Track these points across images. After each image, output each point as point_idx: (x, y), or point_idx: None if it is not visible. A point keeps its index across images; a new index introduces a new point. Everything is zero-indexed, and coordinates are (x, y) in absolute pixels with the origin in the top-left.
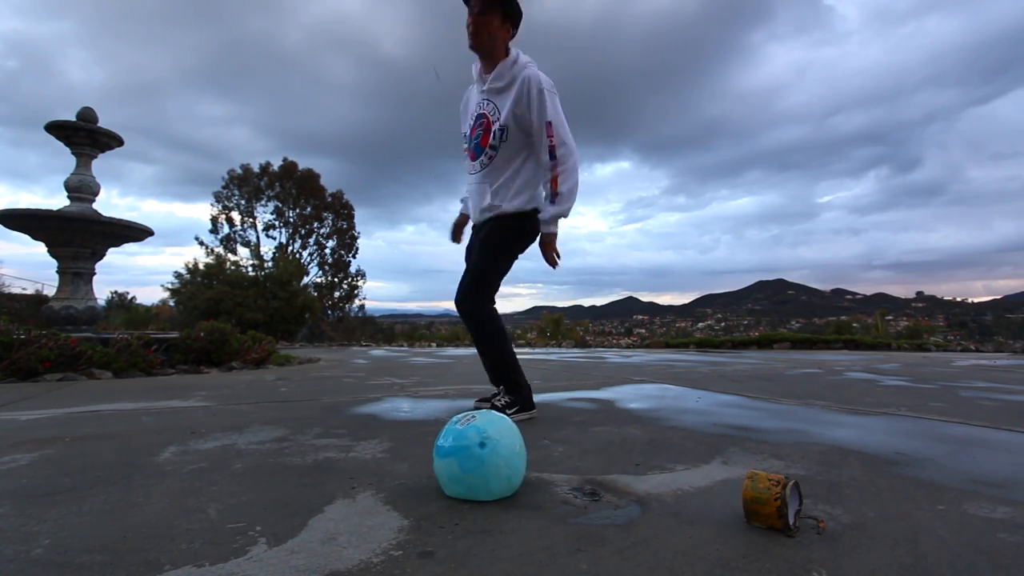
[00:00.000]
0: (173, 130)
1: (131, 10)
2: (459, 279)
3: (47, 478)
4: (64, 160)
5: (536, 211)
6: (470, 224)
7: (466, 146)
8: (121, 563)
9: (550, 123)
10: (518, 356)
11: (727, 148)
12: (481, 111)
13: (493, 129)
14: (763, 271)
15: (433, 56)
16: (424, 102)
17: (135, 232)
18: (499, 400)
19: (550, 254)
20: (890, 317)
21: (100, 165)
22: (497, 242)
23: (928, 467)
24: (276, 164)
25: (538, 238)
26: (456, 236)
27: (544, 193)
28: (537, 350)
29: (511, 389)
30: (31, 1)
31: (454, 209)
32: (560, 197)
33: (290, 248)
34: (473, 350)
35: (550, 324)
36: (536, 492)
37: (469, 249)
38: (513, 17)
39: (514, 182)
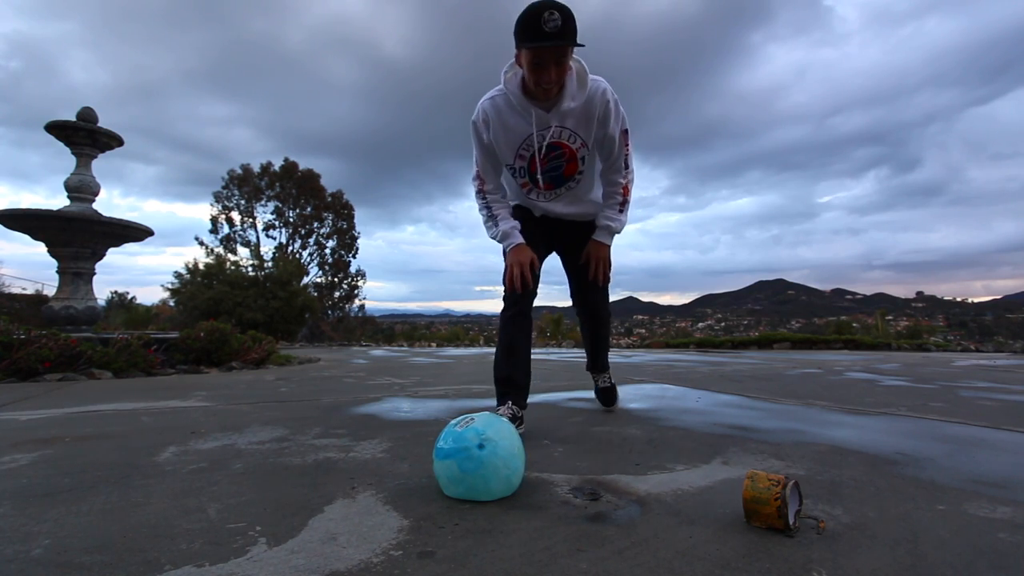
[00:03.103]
0: (175, 131)
1: (134, 11)
2: (573, 281)
3: (47, 478)
4: (66, 160)
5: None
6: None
7: (524, 180)
8: (121, 563)
9: (626, 132)
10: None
11: (727, 148)
12: (554, 140)
13: (579, 156)
14: (763, 271)
15: (435, 56)
16: (425, 102)
17: (135, 232)
18: (605, 382)
19: (607, 268)
20: (890, 317)
21: (101, 165)
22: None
23: (928, 467)
24: (277, 164)
25: (590, 249)
26: (532, 273)
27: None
28: (537, 350)
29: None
30: (35, 2)
31: (454, 209)
32: (627, 207)
33: (290, 248)
34: (473, 350)
35: (550, 324)
36: (536, 492)
37: (531, 234)
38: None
39: (597, 191)
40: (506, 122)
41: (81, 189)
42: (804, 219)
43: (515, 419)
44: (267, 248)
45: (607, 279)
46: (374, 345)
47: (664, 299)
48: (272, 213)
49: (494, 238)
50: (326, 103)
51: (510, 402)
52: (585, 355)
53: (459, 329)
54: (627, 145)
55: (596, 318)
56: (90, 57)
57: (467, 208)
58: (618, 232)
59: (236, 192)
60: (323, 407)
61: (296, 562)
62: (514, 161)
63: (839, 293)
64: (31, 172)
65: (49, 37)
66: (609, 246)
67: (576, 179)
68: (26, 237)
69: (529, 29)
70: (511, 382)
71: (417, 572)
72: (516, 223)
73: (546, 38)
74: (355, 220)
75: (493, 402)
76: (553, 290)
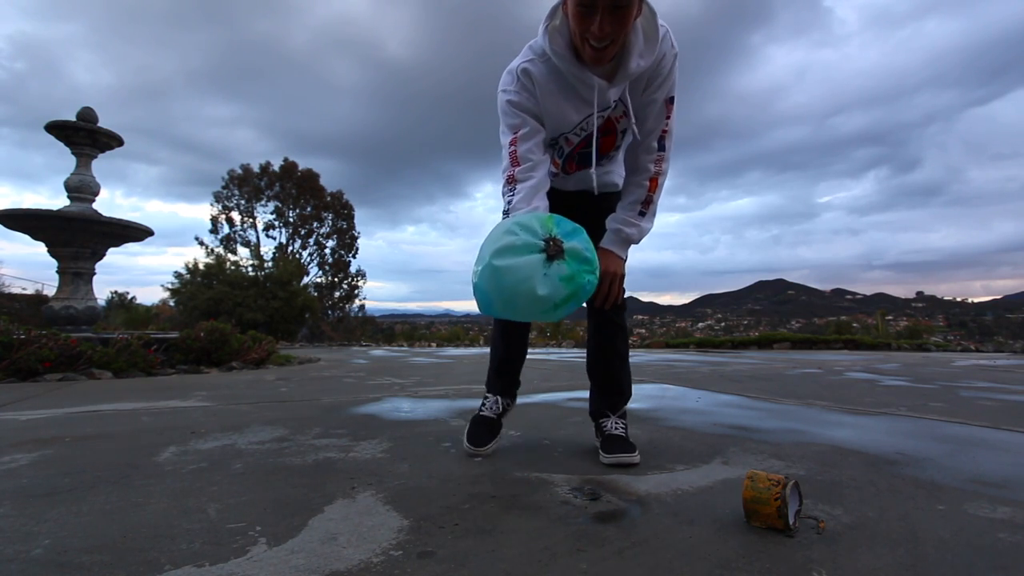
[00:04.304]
0: (178, 131)
1: (138, 12)
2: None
3: (47, 478)
4: (67, 161)
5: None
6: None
7: (558, 158)
8: (121, 563)
9: (672, 99)
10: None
11: (727, 149)
12: (604, 114)
13: (619, 129)
14: (763, 271)
15: (437, 57)
16: (427, 103)
17: (135, 232)
18: (618, 427)
19: (619, 287)
20: (890, 317)
21: (103, 166)
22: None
23: (928, 467)
24: (276, 164)
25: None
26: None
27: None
28: (537, 350)
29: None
30: (39, 3)
31: (455, 209)
32: (652, 208)
33: (290, 248)
34: (473, 350)
35: (550, 324)
36: (536, 492)
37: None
38: None
39: (620, 165)
40: (546, 99)
41: (81, 189)
42: (804, 219)
43: (496, 421)
44: (267, 248)
45: (620, 303)
46: (374, 345)
47: (664, 299)
48: (272, 213)
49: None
50: (328, 104)
51: (498, 397)
52: (578, 358)
53: (459, 329)
54: (669, 118)
55: (607, 348)
56: (94, 58)
57: (467, 208)
58: (636, 243)
59: (236, 192)
60: (323, 407)
61: (296, 562)
62: (555, 132)
63: (839, 293)
64: (34, 172)
65: (53, 38)
66: (624, 260)
67: (611, 156)
68: (26, 237)
69: None
70: (509, 363)
71: (417, 572)
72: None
73: None
74: (355, 220)
75: None
76: None
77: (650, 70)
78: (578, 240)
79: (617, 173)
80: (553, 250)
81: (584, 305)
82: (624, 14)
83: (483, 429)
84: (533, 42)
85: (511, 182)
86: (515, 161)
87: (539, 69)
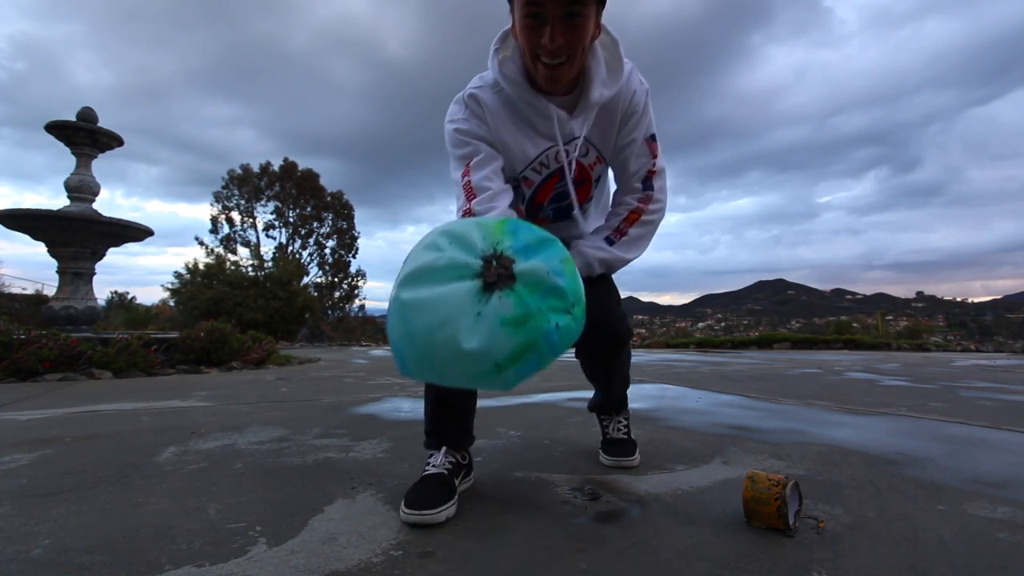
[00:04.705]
0: (178, 131)
1: (139, 12)
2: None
3: (47, 478)
4: (68, 161)
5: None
6: None
7: (520, 205)
8: (121, 563)
9: (654, 137)
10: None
11: (727, 149)
12: (570, 158)
13: (594, 176)
14: (763, 271)
15: (437, 56)
16: (427, 103)
17: (135, 232)
18: (621, 429)
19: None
20: (890, 317)
21: (104, 166)
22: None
23: (928, 467)
24: (276, 164)
25: None
26: None
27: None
28: None
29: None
30: (40, 4)
31: (455, 210)
32: (626, 240)
33: (290, 248)
34: None
35: None
36: (536, 492)
37: None
38: None
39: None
40: (500, 128)
41: (81, 189)
42: (804, 219)
43: (448, 478)
44: (267, 248)
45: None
46: (374, 345)
47: (664, 299)
48: (272, 213)
49: None
50: (328, 104)
51: (444, 448)
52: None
53: None
54: (656, 156)
55: (613, 339)
56: (94, 58)
57: None
58: (608, 270)
59: (236, 192)
60: (323, 407)
61: (296, 562)
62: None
63: (839, 293)
64: (34, 173)
65: (54, 38)
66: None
67: (585, 209)
68: (26, 237)
69: None
70: (447, 406)
71: (417, 572)
72: None
73: None
74: (355, 220)
75: (494, 402)
76: None
77: (622, 107)
78: (543, 258)
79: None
80: (492, 274)
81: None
82: (578, 24)
83: (432, 488)
84: (483, 73)
85: (465, 216)
86: (470, 193)
87: (490, 96)
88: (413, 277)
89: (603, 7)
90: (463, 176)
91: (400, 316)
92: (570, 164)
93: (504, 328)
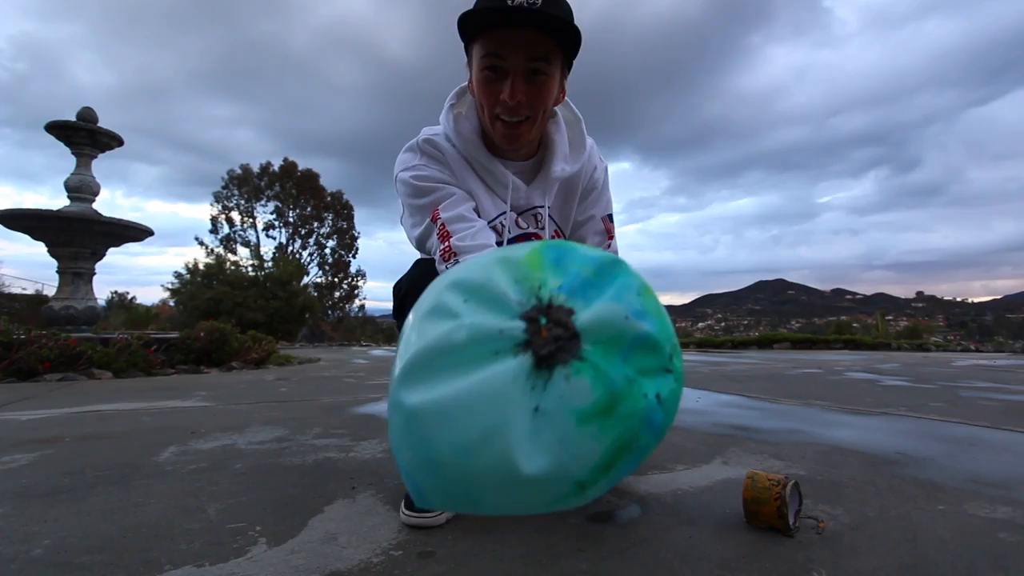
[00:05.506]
0: (179, 131)
1: (140, 13)
2: None
3: (47, 478)
4: (68, 161)
5: None
6: None
7: None
8: (121, 563)
9: (611, 216)
10: None
11: (727, 149)
12: (524, 230)
13: None
14: (763, 271)
15: (437, 56)
16: (428, 102)
17: (135, 232)
18: None
19: None
20: (890, 317)
21: (104, 166)
22: None
23: (928, 467)
24: (276, 164)
25: None
26: None
27: None
28: None
29: None
30: (41, 4)
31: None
32: None
33: (290, 248)
34: None
35: None
36: None
37: None
38: (573, 54)
39: None
40: (460, 174)
41: (81, 189)
42: (804, 219)
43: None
44: (267, 248)
45: None
46: (374, 345)
47: (664, 299)
48: (272, 213)
49: None
50: (329, 104)
51: None
52: None
53: None
54: (612, 238)
55: None
56: (95, 58)
57: None
58: None
59: (236, 192)
60: (323, 407)
61: (296, 562)
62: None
63: (839, 293)
64: (35, 173)
65: (55, 39)
66: None
67: None
68: (27, 237)
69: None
70: None
71: (417, 572)
72: None
73: (512, 13)
74: (355, 220)
75: None
76: None
77: (583, 182)
78: (612, 296)
79: None
80: (546, 341)
81: None
82: (541, 82)
83: None
84: (433, 126)
85: (448, 256)
86: (446, 234)
87: (447, 145)
88: (421, 367)
89: (569, 70)
90: (433, 220)
91: (409, 432)
92: (542, 228)
93: (583, 427)
